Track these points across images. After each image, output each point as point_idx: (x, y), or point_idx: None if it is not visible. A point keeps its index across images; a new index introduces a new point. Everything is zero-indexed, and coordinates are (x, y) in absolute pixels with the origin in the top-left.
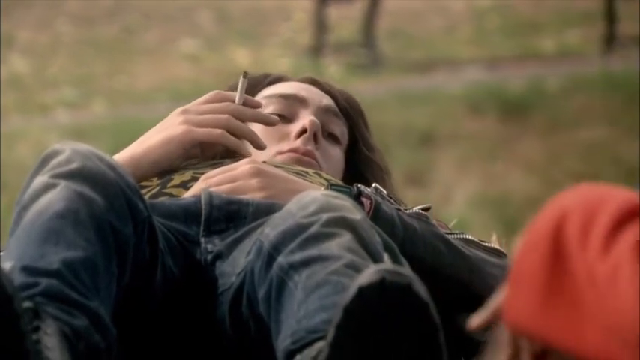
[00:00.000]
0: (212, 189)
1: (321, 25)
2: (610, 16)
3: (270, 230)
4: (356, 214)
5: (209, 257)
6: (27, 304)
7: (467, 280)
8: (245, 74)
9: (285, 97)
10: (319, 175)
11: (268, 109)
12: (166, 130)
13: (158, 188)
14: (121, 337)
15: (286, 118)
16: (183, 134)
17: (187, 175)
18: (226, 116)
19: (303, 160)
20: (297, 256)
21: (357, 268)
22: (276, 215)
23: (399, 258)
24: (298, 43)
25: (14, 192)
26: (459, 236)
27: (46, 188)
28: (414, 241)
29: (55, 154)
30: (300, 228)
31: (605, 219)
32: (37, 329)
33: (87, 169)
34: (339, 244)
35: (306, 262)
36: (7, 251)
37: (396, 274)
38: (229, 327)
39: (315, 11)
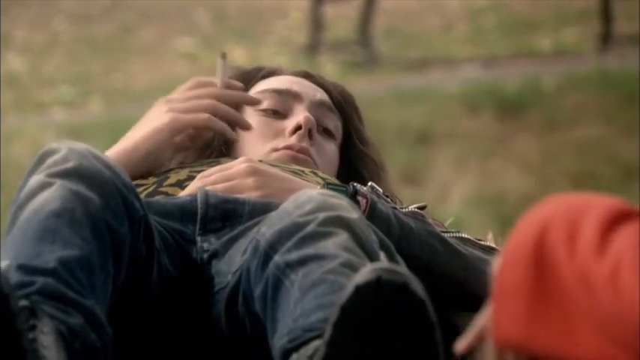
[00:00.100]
0: (208, 187)
1: (317, 24)
2: (606, 15)
3: (266, 229)
4: (352, 213)
5: (205, 256)
6: (23, 302)
7: (463, 278)
8: (223, 55)
9: (279, 93)
10: (315, 174)
11: (263, 104)
12: (153, 121)
13: (154, 187)
14: (117, 336)
15: (280, 114)
16: (171, 122)
17: (183, 174)
18: (210, 101)
19: (298, 157)
20: (294, 255)
21: (353, 267)
22: (273, 214)
23: (395, 257)
24: (294, 42)
25: (11, 190)
26: (455, 235)
27: (42, 187)
28: (410, 240)
29: (52, 152)
30: (297, 227)
31: (593, 224)
32: (33, 328)
33: (83, 167)
34: (336, 243)
35: (303, 261)
36: (3, 250)
37: (393, 273)
38: (225, 326)
39: (312, 9)
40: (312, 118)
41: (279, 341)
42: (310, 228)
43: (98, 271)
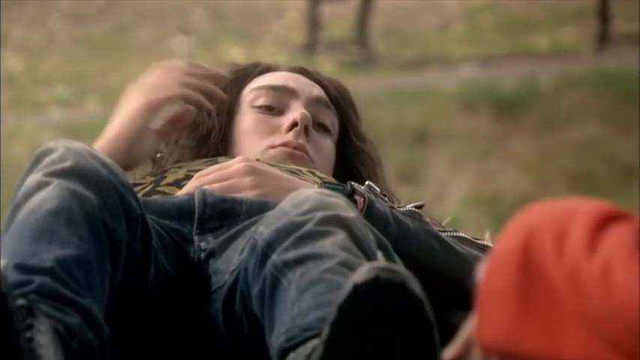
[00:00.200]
0: (205, 187)
1: (314, 23)
2: (603, 14)
3: (264, 228)
4: (350, 213)
5: (202, 255)
6: (20, 302)
7: (460, 277)
8: (187, 35)
9: (275, 89)
10: (313, 174)
11: (259, 101)
12: (127, 109)
13: (151, 186)
14: (114, 335)
15: (277, 110)
16: (146, 104)
17: (180, 174)
18: (179, 78)
19: (294, 154)
20: (291, 255)
21: (350, 267)
22: (270, 213)
23: (392, 256)
24: (292, 41)
25: (8, 190)
26: (452, 234)
27: (40, 186)
28: (408, 239)
29: (49, 152)
30: (294, 226)
31: (582, 225)
32: (30, 327)
33: (80, 166)
34: (333, 243)
35: (300, 261)
36: (1, 249)
37: (391, 272)
38: (222, 325)
39: (309, 9)
40: (309, 114)
41: (276, 340)
42: (308, 227)
43: (95, 270)
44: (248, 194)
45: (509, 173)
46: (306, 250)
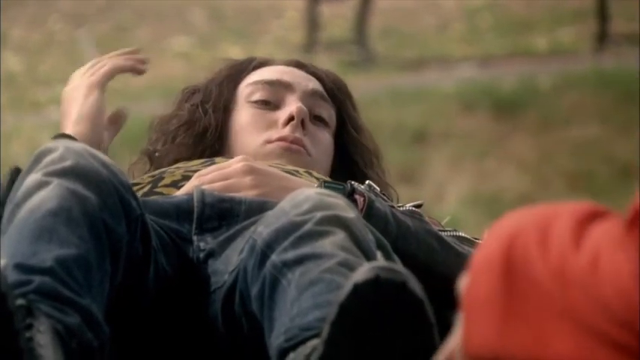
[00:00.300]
0: (205, 186)
1: (313, 23)
2: (602, 14)
3: (263, 228)
4: (349, 212)
5: (201, 255)
6: (20, 301)
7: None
8: (83, 33)
9: (270, 84)
10: (310, 174)
11: (255, 96)
12: (74, 93)
13: (149, 187)
14: (114, 335)
15: (273, 105)
16: (91, 82)
17: (178, 174)
18: (107, 60)
19: (292, 148)
20: (291, 255)
21: (350, 267)
22: (270, 213)
23: (391, 256)
24: (290, 41)
25: None
26: (452, 234)
27: (39, 186)
28: (407, 239)
29: (48, 151)
30: (294, 226)
31: (566, 223)
32: (29, 327)
33: (80, 166)
34: (333, 243)
35: (300, 261)
36: (1, 249)
37: (391, 272)
38: (222, 325)
39: (308, 9)
40: (305, 108)
41: (276, 340)
42: (307, 227)
43: (95, 270)
44: (247, 194)
45: (509, 173)
46: (305, 250)
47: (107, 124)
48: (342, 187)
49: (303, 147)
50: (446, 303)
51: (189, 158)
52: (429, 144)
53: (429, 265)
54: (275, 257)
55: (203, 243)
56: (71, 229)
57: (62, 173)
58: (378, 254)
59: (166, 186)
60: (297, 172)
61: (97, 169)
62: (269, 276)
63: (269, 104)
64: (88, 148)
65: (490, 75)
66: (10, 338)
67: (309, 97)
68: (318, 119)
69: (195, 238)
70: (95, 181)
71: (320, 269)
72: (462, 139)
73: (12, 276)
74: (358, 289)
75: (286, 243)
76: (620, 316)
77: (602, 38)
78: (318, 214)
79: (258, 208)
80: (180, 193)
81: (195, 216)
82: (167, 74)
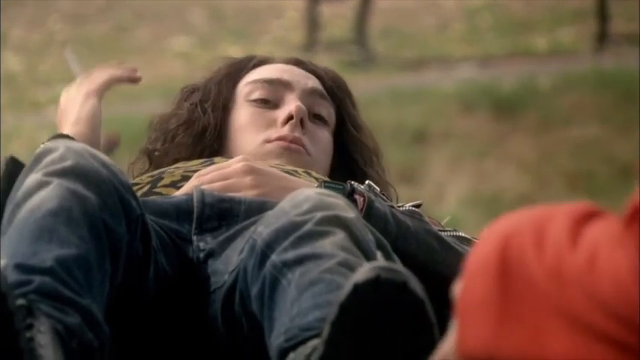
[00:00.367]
0: (205, 186)
1: (313, 23)
2: (602, 14)
3: (263, 228)
4: (349, 213)
5: (201, 255)
6: (20, 301)
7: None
8: (66, 47)
9: (270, 82)
10: (309, 174)
11: (254, 94)
12: (70, 103)
13: (148, 187)
14: (114, 335)
15: (272, 104)
16: (89, 90)
17: (177, 175)
18: (103, 71)
19: (291, 147)
20: (291, 255)
21: (350, 267)
22: (270, 213)
23: (391, 256)
24: (290, 41)
25: None
26: (452, 233)
27: (39, 186)
28: (407, 239)
29: (48, 151)
30: (294, 226)
31: (561, 224)
32: (30, 327)
33: (80, 166)
34: (333, 243)
35: (300, 261)
36: (0, 249)
37: (392, 272)
38: (222, 325)
39: (307, 9)
40: (304, 107)
41: (276, 340)
42: (307, 227)
43: (95, 270)
44: (247, 194)
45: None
46: (305, 250)
47: (102, 144)
48: (341, 187)
49: (303, 146)
50: (446, 303)
51: (189, 158)
52: (429, 144)
53: (429, 265)
54: (275, 257)
55: (203, 243)
56: (71, 229)
57: (62, 173)
58: (378, 254)
59: (165, 186)
60: (296, 172)
61: (97, 169)
62: (269, 276)
63: (268, 103)
64: (88, 148)
65: (490, 75)
66: (10, 338)
67: (308, 95)
68: (317, 118)
69: (194, 238)
70: (95, 181)
71: (320, 269)
72: (462, 139)
73: (12, 276)
74: (358, 289)
75: (286, 243)
76: (618, 313)
77: (602, 38)
78: (318, 214)
79: (258, 208)
80: (179, 193)
81: (195, 216)
82: (167, 74)
